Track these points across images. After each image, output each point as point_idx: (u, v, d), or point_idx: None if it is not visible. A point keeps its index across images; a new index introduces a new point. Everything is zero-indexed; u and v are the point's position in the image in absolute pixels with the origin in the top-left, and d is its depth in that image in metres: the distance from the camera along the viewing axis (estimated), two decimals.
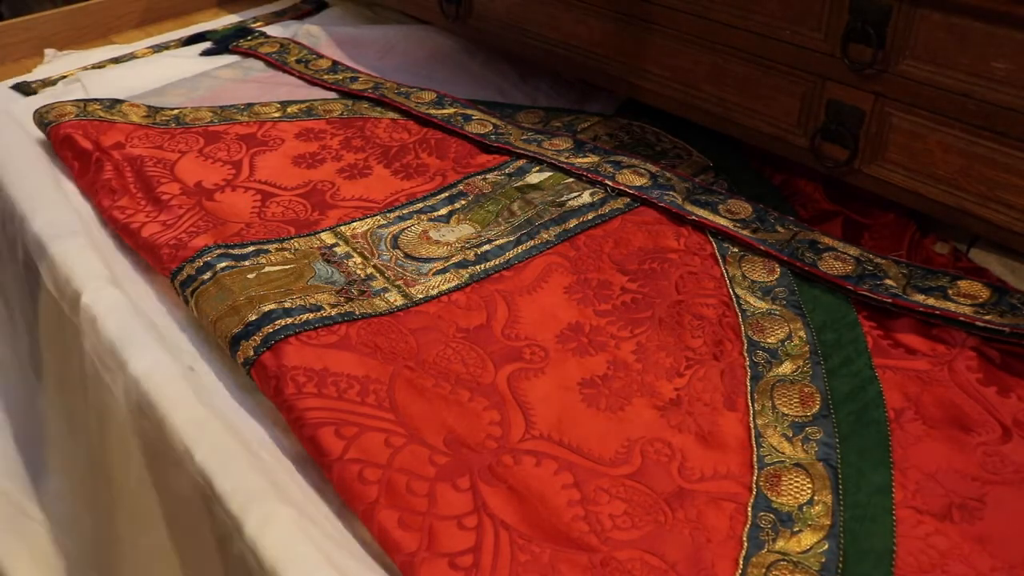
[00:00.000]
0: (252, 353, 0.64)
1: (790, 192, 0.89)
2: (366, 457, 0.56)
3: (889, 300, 0.70)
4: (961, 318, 0.67)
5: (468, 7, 1.08)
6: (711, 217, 0.81)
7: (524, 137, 0.94)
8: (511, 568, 0.51)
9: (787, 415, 0.62)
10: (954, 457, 0.58)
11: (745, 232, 0.79)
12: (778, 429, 0.61)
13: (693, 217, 0.80)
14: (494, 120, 0.97)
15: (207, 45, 1.12)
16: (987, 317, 0.67)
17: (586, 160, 0.89)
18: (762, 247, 0.76)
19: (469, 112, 0.99)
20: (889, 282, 0.72)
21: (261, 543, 0.51)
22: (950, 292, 0.70)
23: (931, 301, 0.69)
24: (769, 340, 0.68)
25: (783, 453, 0.59)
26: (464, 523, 0.53)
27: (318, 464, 0.58)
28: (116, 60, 1.16)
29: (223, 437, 0.59)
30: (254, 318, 0.66)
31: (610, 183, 0.85)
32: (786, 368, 0.66)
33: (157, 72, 1.10)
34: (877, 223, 0.83)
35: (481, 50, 1.15)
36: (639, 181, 0.85)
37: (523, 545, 0.52)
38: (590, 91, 1.09)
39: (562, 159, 0.89)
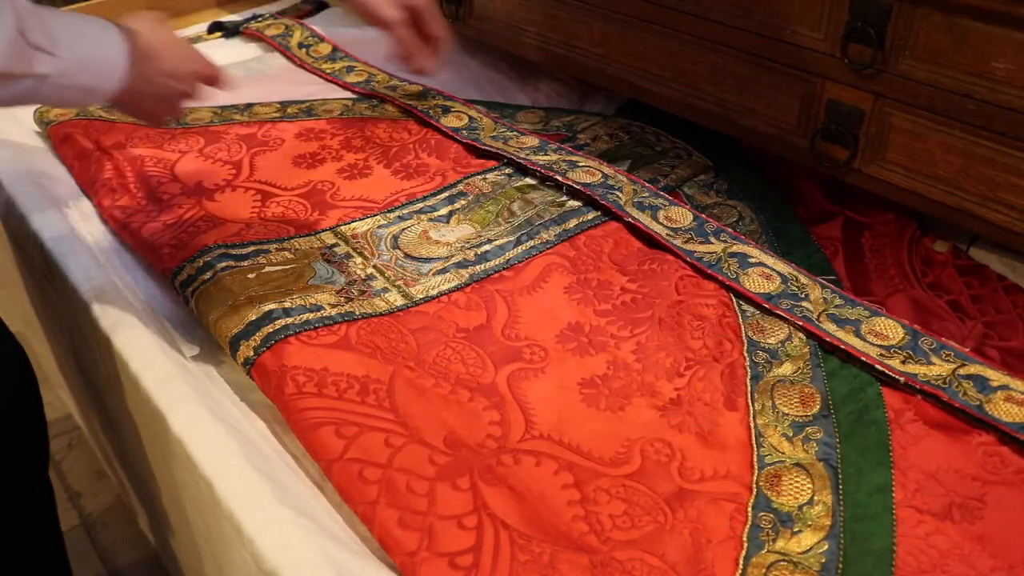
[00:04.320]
0: (252, 353, 0.64)
1: (790, 192, 0.89)
2: (366, 457, 0.56)
3: (800, 323, 0.68)
4: (863, 358, 0.64)
5: (468, 7, 1.08)
6: (647, 222, 0.80)
7: (493, 134, 0.94)
8: (511, 568, 0.51)
9: (787, 415, 0.62)
10: (954, 457, 0.58)
11: (676, 241, 0.77)
12: (778, 429, 0.61)
13: (629, 219, 0.80)
14: (471, 113, 0.97)
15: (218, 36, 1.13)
16: (889, 362, 0.64)
17: (545, 158, 0.88)
18: (688, 259, 0.75)
19: (448, 104, 0.99)
20: (807, 305, 0.70)
21: (261, 545, 0.51)
22: (863, 329, 0.67)
23: (840, 334, 0.67)
24: (769, 341, 0.68)
25: (783, 453, 0.59)
26: (464, 523, 0.53)
27: (318, 463, 0.58)
28: None
29: (223, 437, 0.59)
30: (254, 318, 0.66)
31: (560, 179, 0.84)
32: (786, 369, 0.66)
33: None
34: (877, 222, 0.84)
35: (481, 50, 1.15)
36: (589, 179, 0.85)
37: (523, 545, 0.52)
38: (590, 91, 1.09)
39: (521, 156, 0.89)
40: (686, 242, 0.77)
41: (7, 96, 0.61)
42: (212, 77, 0.76)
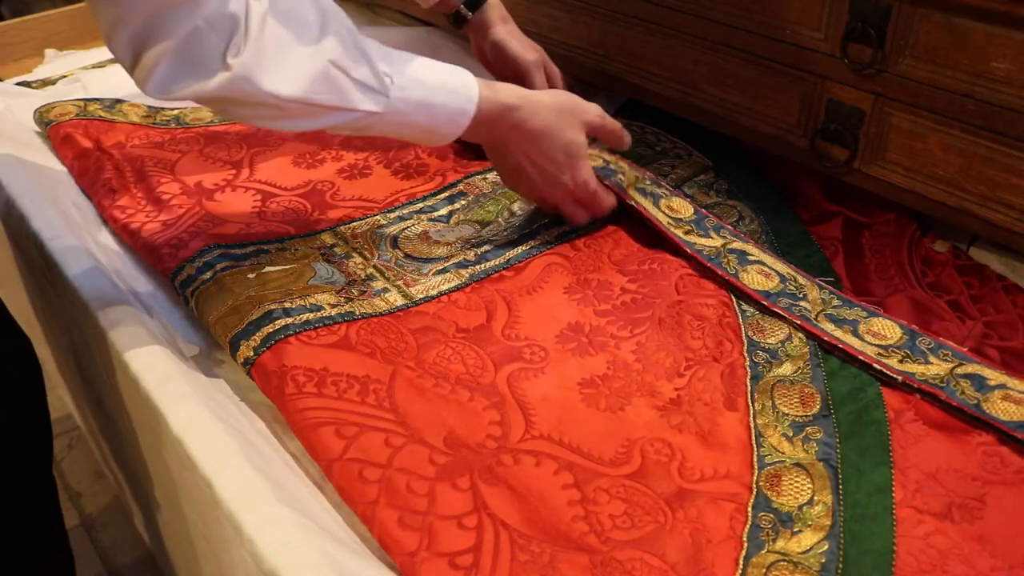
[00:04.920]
0: (252, 353, 0.64)
1: (790, 192, 0.89)
2: (366, 456, 0.56)
3: (799, 322, 0.69)
4: (861, 357, 0.65)
5: None
6: (650, 208, 0.79)
7: None
8: (511, 568, 0.51)
9: (787, 415, 0.62)
10: (954, 457, 0.58)
11: (677, 232, 0.77)
12: (778, 429, 0.61)
13: (631, 203, 0.79)
14: None
15: None
16: (887, 361, 0.64)
17: None
18: (689, 250, 0.75)
19: None
20: (805, 304, 0.70)
21: (261, 545, 0.51)
22: (860, 328, 0.67)
23: (838, 333, 0.67)
24: (769, 341, 0.68)
25: (783, 453, 0.59)
26: (464, 523, 0.53)
27: (318, 463, 0.58)
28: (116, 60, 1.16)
29: (223, 437, 0.59)
30: (254, 318, 0.66)
31: None
32: (786, 369, 0.66)
33: None
34: (877, 222, 0.83)
35: None
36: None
37: (523, 545, 0.52)
38: (590, 91, 1.08)
39: None
40: (687, 234, 0.77)
41: (330, 124, 0.65)
42: (589, 209, 0.77)
